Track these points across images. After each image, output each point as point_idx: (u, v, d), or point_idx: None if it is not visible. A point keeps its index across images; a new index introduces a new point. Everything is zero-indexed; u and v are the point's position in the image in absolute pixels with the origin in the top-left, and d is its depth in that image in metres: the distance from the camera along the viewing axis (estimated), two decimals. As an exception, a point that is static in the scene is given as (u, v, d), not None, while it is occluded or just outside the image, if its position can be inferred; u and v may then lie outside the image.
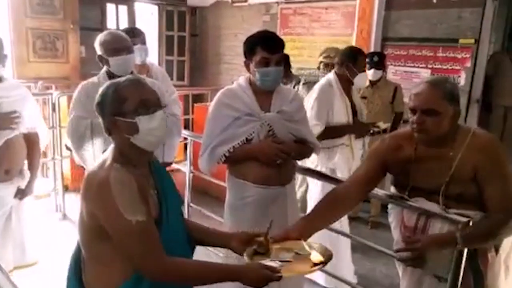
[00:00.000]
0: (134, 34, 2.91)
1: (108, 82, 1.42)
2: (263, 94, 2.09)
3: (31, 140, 2.52)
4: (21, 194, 2.56)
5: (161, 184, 1.46)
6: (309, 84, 3.77)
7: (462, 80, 4.33)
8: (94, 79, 2.39)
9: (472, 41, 4.22)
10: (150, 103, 1.37)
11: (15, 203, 2.55)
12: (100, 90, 1.39)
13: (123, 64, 2.33)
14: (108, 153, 1.38)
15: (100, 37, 2.36)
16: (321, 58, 3.64)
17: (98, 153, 2.30)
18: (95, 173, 1.30)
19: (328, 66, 3.58)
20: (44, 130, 2.66)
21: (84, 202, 1.31)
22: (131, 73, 2.40)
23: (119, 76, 2.31)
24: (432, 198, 1.78)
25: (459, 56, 4.33)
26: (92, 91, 2.30)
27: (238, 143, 2.03)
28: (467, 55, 4.27)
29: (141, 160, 1.41)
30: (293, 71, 4.59)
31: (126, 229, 1.24)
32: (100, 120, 1.40)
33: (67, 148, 2.44)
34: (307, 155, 2.23)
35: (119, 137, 1.37)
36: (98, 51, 2.34)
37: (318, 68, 3.70)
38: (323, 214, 1.79)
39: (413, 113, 1.72)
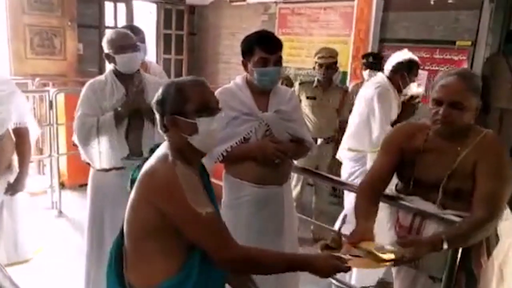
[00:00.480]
0: (133, 32, 2.92)
1: (170, 81, 1.44)
2: (260, 93, 2.09)
3: (20, 135, 2.49)
4: (11, 190, 2.52)
5: (208, 186, 1.48)
6: (306, 84, 3.78)
7: (458, 82, 4.35)
8: (102, 77, 2.41)
9: (469, 43, 4.25)
10: (212, 105, 1.39)
11: (6, 199, 2.53)
12: (162, 88, 1.41)
13: (129, 61, 2.34)
14: (164, 150, 1.38)
15: (107, 35, 2.39)
16: (315, 59, 3.64)
17: (104, 150, 2.32)
18: (160, 170, 1.32)
19: (322, 67, 3.58)
20: (34, 125, 2.64)
21: (146, 198, 1.32)
22: (138, 71, 2.43)
23: (125, 74, 2.35)
24: (431, 193, 1.78)
25: (456, 58, 4.35)
26: (99, 89, 2.33)
27: (236, 142, 2.03)
28: (464, 57, 4.30)
29: (196, 159, 1.44)
30: (291, 71, 4.60)
31: (199, 223, 1.27)
32: (157, 116, 1.41)
33: (74, 144, 2.44)
34: (303, 154, 2.24)
35: (177, 136, 1.38)
36: (105, 49, 2.35)
37: (314, 68, 3.71)
38: (372, 210, 1.80)
39: (437, 105, 1.70)
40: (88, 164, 2.45)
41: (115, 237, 1.49)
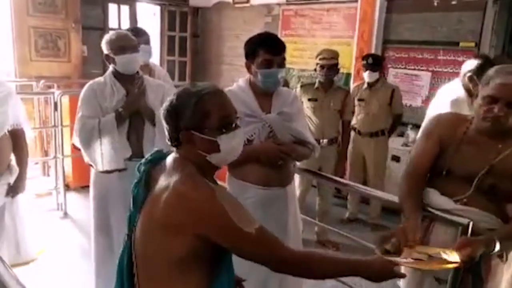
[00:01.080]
0: (138, 34, 2.94)
1: (184, 88, 1.27)
2: (263, 95, 2.10)
3: (17, 136, 2.48)
4: (12, 191, 2.51)
5: None
6: (307, 86, 3.74)
7: (462, 83, 4.34)
8: (101, 78, 2.42)
9: (473, 44, 4.24)
10: (232, 119, 1.26)
11: (8, 201, 2.51)
12: (174, 96, 1.25)
13: (129, 62, 2.35)
14: (181, 166, 1.23)
15: (106, 37, 2.40)
16: (317, 60, 3.64)
17: (106, 152, 2.33)
18: (194, 193, 1.16)
19: (323, 68, 3.58)
20: (29, 126, 2.64)
21: (175, 226, 1.16)
22: (137, 72, 2.43)
23: (125, 75, 2.36)
24: (462, 187, 1.75)
25: (460, 59, 4.34)
26: (99, 91, 2.34)
27: (239, 144, 2.04)
28: (468, 58, 4.28)
29: (211, 173, 1.31)
30: (294, 72, 4.60)
31: (251, 242, 1.19)
32: (166, 127, 1.27)
33: (75, 147, 2.44)
34: (306, 156, 2.24)
35: (192, 152, 1.24)
36: (105, 50, 2.36)
37: (315, 70, 3.70)
38: (419, 200, 1.80)
39: (492, 102, 1.66)
40: (91, 165, 2.46)
41: (122, 240, 1.38)
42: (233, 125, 1.26)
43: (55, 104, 4.15)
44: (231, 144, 1.25)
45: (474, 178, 1.72)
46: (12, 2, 5.25)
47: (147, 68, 3.04)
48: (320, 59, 3.59)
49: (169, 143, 1.28)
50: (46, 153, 5.06)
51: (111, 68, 2.40)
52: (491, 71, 1.72)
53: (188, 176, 1.20)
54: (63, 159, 4.25)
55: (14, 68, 5.39)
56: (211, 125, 1.21)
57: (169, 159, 1.28)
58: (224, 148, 1.24)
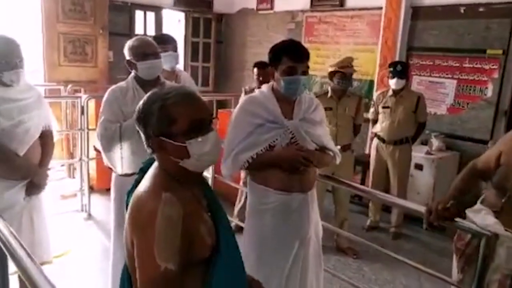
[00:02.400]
0: (167, 41, 3.00)
1: (150, 93, 1.22)
2: (286, 101, 2.11)
3: (47, 137, 2.54)
4: (31, 190, 2.45)
5: (214, 204, 1.30)
6: (321, 96, 3.64)
7: (489, 91, 4.27)
8: (123, 83, 2.46)
9: (500, 51, 4.16)
10: (203, 123, 1.19)
11: (28, 200, 2.46)
12: (142, 103, 1.21)
13: (150, 68, 2.39)
14: (153, 173, 1.21)
15: (128, 43, 2.43)
16: (332, 68, 3.64)
17: (126, 156, 2.37)
18: (144, 201, 1.14)
19: (340, 76, 3.59)
20: (56, 128, 2.68)
21: (129, 229, 1.16)
22: (158, 77, 2.46)
23: (147, 81, 2.39)
24: None
25: (487, 67, 4.27)
26: (121, 96, 2.38)
27: (261, 150, 2.05)
28: (495, 66, 4.21)
29: (191, 181, 1.24)
30: (317, 79, 4.59)
31: (151, 273, 1.09)
32: (141, 134, 1.23)
33: (95, 149, 2.49)
34: (328, 163, 2.24)
35: (166, 159, 1.20)
36: (127, 56, 2.41)
37: (331, 78, 3.70)
38: (472, 187, 1.90)
39: None
40: (111, 168, 2.50)
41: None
42: (205, 129, 1.19)
43: (82, 108, 4.26)
44: (203, 149, 1.18)
45: None
46: (43, 9, 5.41)
47: (174, 75, 3.09)
48: (340, 67, 3.60)
49: (147, 150, 1.24)
50: (72, 156, 5.18)
51: (133, 73, 2.44)
52: None
53: (152, 184, 1.17)
54: (88, 162, 4.34)
55: (43, 73, 5.55)
56: (179, 131, 1.16)
57: (152, 166, 1.26)
58: (194, 153, 1.17)
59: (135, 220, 1.14)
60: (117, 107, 2.37)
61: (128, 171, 2.38)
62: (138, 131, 1.23)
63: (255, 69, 3.86)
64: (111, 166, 2.47)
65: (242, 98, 4.11)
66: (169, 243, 1.09)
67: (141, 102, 1.21)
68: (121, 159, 2.38)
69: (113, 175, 2.53)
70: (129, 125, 2.32)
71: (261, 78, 3.76)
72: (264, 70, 3.90)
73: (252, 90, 3.98)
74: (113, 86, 2.47)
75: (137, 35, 6.19)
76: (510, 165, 1.74)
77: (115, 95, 2.41)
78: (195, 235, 1.16)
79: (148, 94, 1.22)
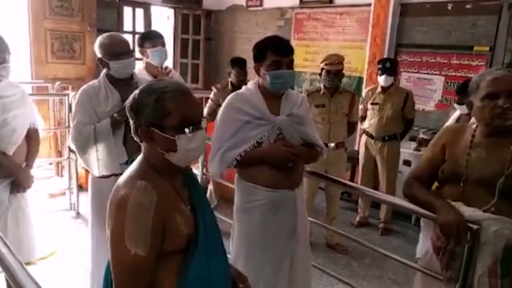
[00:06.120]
0: (154, 36, 2.98)
1: (147, 85, 1.27)
2: (272, 98, 2.11)
3: (33, 136, 2.52)
4: (16, 189, 2.45)
5: (196, 197, 1.33)
6: (313, 93, 3.69)
7: (476, 87, 4.30)
8: (95, 82, 2.36)
9: (487, 48, 4.20)
10: (193, 120, 1.23)
11: (13, 198, 2.47)
12: (137, 93, 1.25)
13: (123, 67, 2.30)
14: (135, 164, 1.26)
15: (100, 39, 2.32)
16: (322, 65, 3.61)
17: (102, 157, 2.30)
18: (121, 187, 1.20)
19: (330, 73, 3.56)
20: (42, 125, 2.65)
21: (107, 215, 1.21)
22: (131, 76, 2.38)
23: (120, 79, 2.31)
24: (484, 194, 1.70)
25: (474, 64, 4.31)
26: (93, 95, 2.29)
27: (249, 147, 2.05)
28: (482, 63, 4.25)
29: (172, 173, 1.28)
30: (307, 76, 4.59)
31: (121, 256, 1.13)
32: (131, 122, 1.27)
33: (70, 150, 2.45)
34: (315, 159, 2.25)
35: (152, 148, 1.25)
36: (98, 53, 2.30)
37: (320, 74, 3.68)
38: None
39: (492, 98, 1.65)
40: (87, 170, 2.44)
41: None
42: (195, 126, 1.23)
43: (70, 105, 4.21)
44: (190, 145, 1.22)
45: (493, 183, 1.68)
46: (29, 6, 5.34)
47: (162, 69, 3.08)
48: (326, 64, 3.57)
49: (135, 138, 1.28)
50: (60, 154, 5.13)
51: (104, 71, 2.35)
52: (473, 79, 1.76)
53: (131, 173, 1.23)
54: (76, 160, 4.30)
55: (30, 70, 5.48)
56: (170, 124, 1.20)
57: (136, 159, 1.30)
58: (181, 148, 1.21)
59: (110, 204, 1.18)
60: (90, 107, 2.28)
61: (105, 172, 2.32)
62: (113, 133, 1.24)
63: (235, 69, 3.93)
64: (87, 168, 2.41)
65: (212, 97, 4.14)
66: (140, 228, 1.13)
67: (136, 92, 1.26)
68: (98, 161, 2.31)
69: (90, 177, 2.46)
70: (103, 126, 2.26)
71: (240, 77, 3.92)
72: (242, 69, 3.95)
73: (224, 88, 3.99)
74: (84, 86, 2.37)
75: (125, 32, 6.15)
76: (457, 153, 1.81)
77: (88, 95, 2.31)
78: (170, 223, 1.19)
79: (144, 85, 1.27)
